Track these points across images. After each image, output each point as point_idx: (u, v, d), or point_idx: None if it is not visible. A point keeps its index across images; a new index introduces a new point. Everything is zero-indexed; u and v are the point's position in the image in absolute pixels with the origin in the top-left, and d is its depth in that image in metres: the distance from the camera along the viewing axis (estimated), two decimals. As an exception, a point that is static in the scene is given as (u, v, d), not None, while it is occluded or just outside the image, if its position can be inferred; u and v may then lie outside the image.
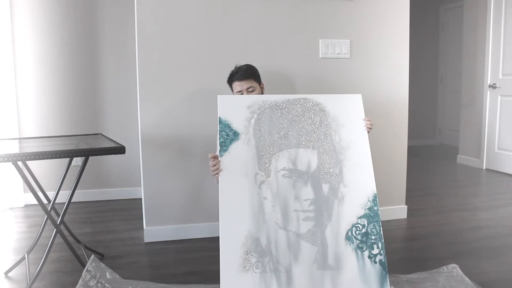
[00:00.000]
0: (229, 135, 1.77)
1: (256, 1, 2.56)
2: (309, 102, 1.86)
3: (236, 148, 1.76)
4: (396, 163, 2.88)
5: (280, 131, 1.80)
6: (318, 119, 1.84)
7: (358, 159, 1.80)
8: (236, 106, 1.82)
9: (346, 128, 1.84)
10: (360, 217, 1.73)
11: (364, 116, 1.88)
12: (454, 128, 5.71)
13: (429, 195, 3.53)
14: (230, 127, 1.78)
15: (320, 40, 2.67)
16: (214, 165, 1.74)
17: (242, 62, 2.26)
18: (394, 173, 2.88)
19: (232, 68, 2.23)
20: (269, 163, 1.75)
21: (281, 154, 1.77)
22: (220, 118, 1.79)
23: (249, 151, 1.76)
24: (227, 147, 1.75)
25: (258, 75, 2.22)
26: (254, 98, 1.87)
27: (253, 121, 1.80)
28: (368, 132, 1.86)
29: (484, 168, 4.50)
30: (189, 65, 2.50)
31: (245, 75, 2.14)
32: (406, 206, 2.96)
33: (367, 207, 1.74)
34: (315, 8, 2.65)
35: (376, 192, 1.77)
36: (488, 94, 4.42)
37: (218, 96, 1.83)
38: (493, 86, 4.35)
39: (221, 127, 1.77)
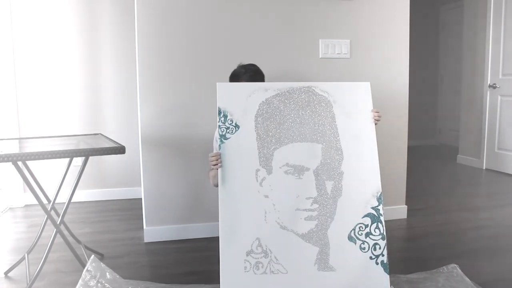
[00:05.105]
0: (228, 128, 1.67)
1: (256, 1, 2.56)
2: (314, 90, 1.75)
3: (236, 142, 1.66)
4: (396, 163, 2.87)
5: (283, 123, 1.69)
6: (324, 110, 1.72)
7: (364, 155, 1.70)
8: (236, 96, 1.70)
9: (353, 120, 1.73)
10: (363, 216, 1.66)
11: (372, 107, 1.77)
12: (454, 128, 5.71)
13: (429, 195, 3.53)
14: (230, 119, 1.68)
15: (320, 40, 2.67)
16: (214, 155, 1.66)
17: (242, 62, 2.24)
18: (394, 173, 2.87)
19: (232, 67, 2.19)
20: (271, 159, 1.66)
21: (284, 149, 1.67)
22: (219, 109, 1.68)
23: (250, 146, 1.66)
24: (227, 141, 1.66)
25: (264, 76, 2.15)
26: (256, 86, 1.76)
27: (254, 112, 1.69)
28: (375, 124, 1.75)
29: (484, 168, 4.50)
30: (189, 65, 2.50)
31: (254, 77, 2.05)
32: (406, 206, 2.96)
33: (371, 206, 1.67)
34: (315, 8, 2.65)
35: (381, 190, 1.68)
36: (488, 94, 4.42)
37: (217, 83, 1.72)
38: (493, 86, 4.35)
39: (220, 119, 1.68)
